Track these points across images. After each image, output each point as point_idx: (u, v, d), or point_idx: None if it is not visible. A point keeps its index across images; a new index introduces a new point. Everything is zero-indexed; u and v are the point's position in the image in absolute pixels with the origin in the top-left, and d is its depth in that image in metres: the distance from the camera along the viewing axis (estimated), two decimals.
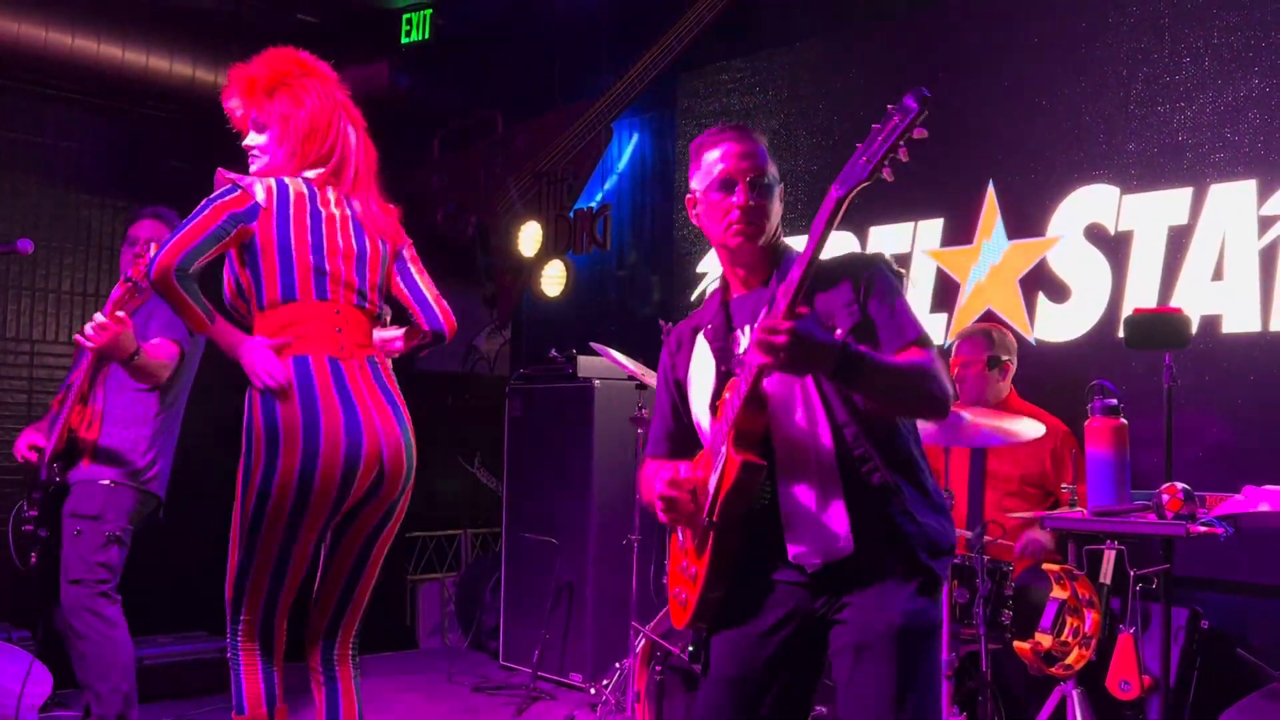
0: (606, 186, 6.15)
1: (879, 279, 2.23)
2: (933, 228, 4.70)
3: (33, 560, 3.69)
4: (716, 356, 2.29)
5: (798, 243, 2.17)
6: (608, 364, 4.69)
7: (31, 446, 3.87)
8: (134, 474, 3.81)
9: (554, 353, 5.44)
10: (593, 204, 6.02)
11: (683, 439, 2.43)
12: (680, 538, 2.35)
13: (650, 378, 4.43)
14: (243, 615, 2.78)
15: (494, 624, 5.80)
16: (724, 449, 2.14)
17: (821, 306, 2.16)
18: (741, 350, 2.24)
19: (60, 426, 3.76)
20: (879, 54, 4.97)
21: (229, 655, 2.80)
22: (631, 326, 5.87)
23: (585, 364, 5.25)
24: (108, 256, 6.21)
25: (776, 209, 2.29)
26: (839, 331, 2.06)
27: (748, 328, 2.24)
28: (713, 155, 2.28)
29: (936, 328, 4.62)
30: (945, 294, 4.63)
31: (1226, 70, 3.94)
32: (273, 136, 2.91)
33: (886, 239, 4.84)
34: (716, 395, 2.24)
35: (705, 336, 2.34)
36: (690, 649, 3.64)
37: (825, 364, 2.00)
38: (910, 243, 4.77)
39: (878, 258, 2.29)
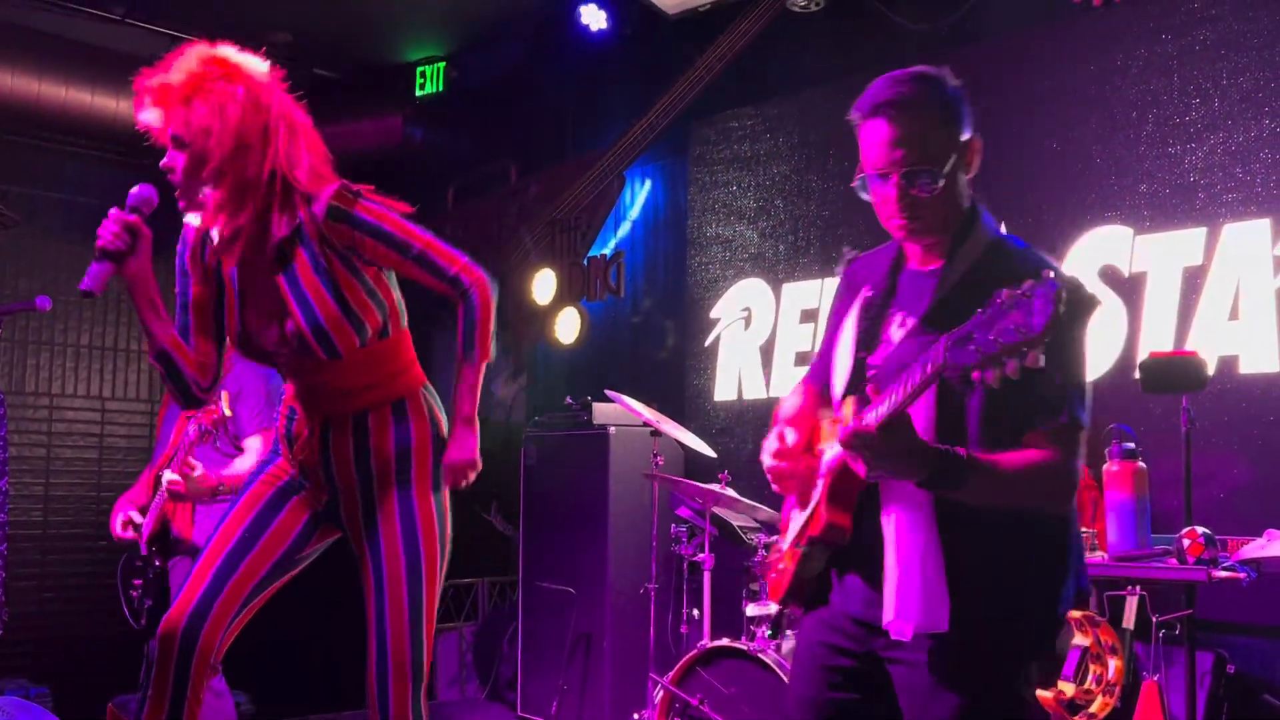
0: (620, 234, 6.17)
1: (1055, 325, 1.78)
2: None
3: (142, 623, 3.76)
4: (858, 336, 2.08)
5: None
6: (623, 410, 4.69)
7: (126, 523, 3.85)
8: None
9: (569, 400, 5.44)
10: (606, 251, 6.05)
11: None
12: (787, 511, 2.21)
13: (665, 425, 4.42)
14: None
15: (512, 674, 5.76)
16: (819, 491, 2.01)
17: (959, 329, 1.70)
18: (891, 336, 2.04)
19: (154, 513, 3.76)
20: None
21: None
22: (646, 372, 5.87)
23: (600, 411, 5.25)
24: (126, 310, 6.27)
25: (954, 187, 1.99)
26: (975, 373, 1.70)
27: (903, 315, 2.05)
28: (865, 134, 2.01)
29: None
30: None
31: (1236, 110, 3.95)
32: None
33: None
34: (849, 387, 2.05)
35: (860, 304, 2.11)
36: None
37: (915, 474, 1.81)
38: None
39: (1068, 287, 1.70)
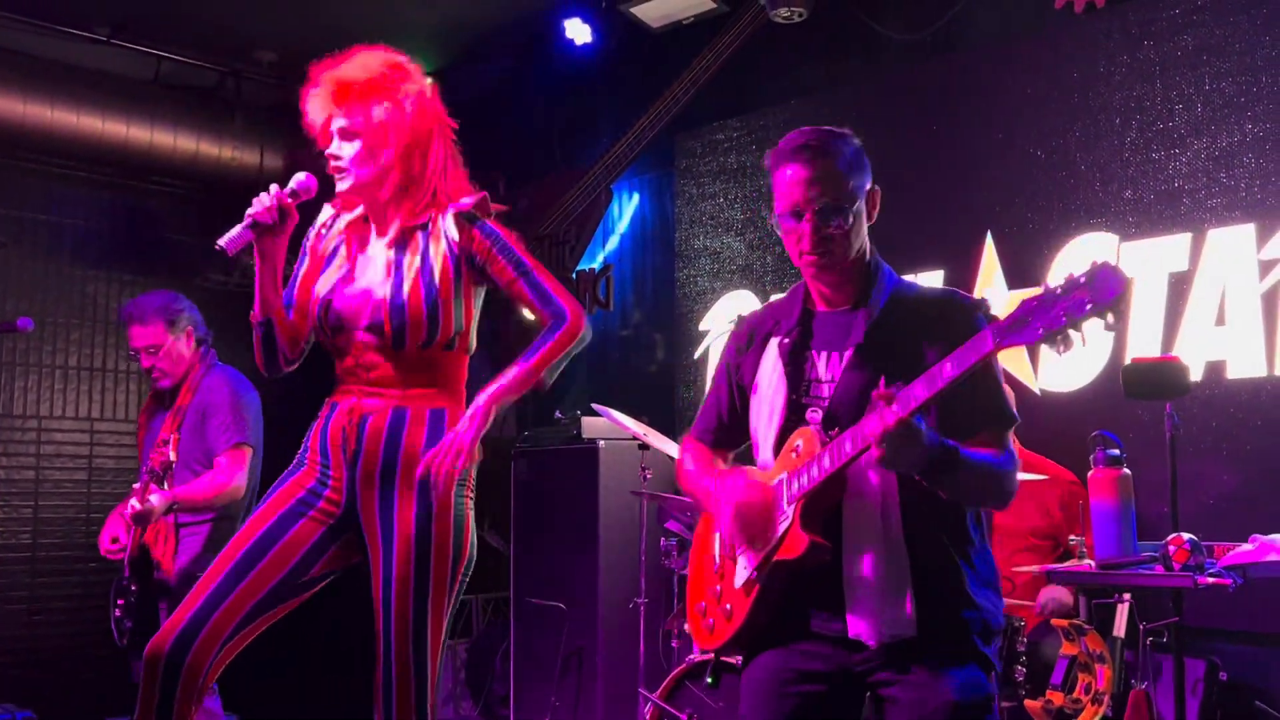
0: (608, 247, 6.17)
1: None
2: (933, 280, 4.68)
3: (124, 642, 3.73)
4: (787, 378, 2.19)
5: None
6: (612, 424, 4.67)
7: (114, 540, 3.84)
8: None
9: (559, 414, 5.42)
10: (595, 265, 6.04)
11: (732, 433, 2.36)
12: (716, 554, 2.26)
13: (652, 437, 4.41)
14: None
15: (505, 692, 5.72)
16: (790, 515, 2.06)
17: (909, 349, 2.05)
18: (820, 375, 2.17)
19: (133, 539, 3.73)
20: (873, 110, 5.00)
21: None
22: (636, 385, 5.86)
23: (590, 425, 5.23)
24: (114, 331, 6.25)
25: (859, 227, 2.16)
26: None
27: (826, 354, 2.18)
28: (781, 176, 2.16)
29: None
30: None
31: (1219, 116, 3.95)
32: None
33: None
34: (785, 427, 2.17)
35: (779, 349, 2.23)
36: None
37: (920, 465, 1.94)
38: None
39: (982, 309, 2.16)
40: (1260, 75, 3.86)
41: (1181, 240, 3.99)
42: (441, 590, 2.52)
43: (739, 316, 2.44)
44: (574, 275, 6.01)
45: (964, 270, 4.55)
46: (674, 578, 4.47)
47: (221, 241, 2.55)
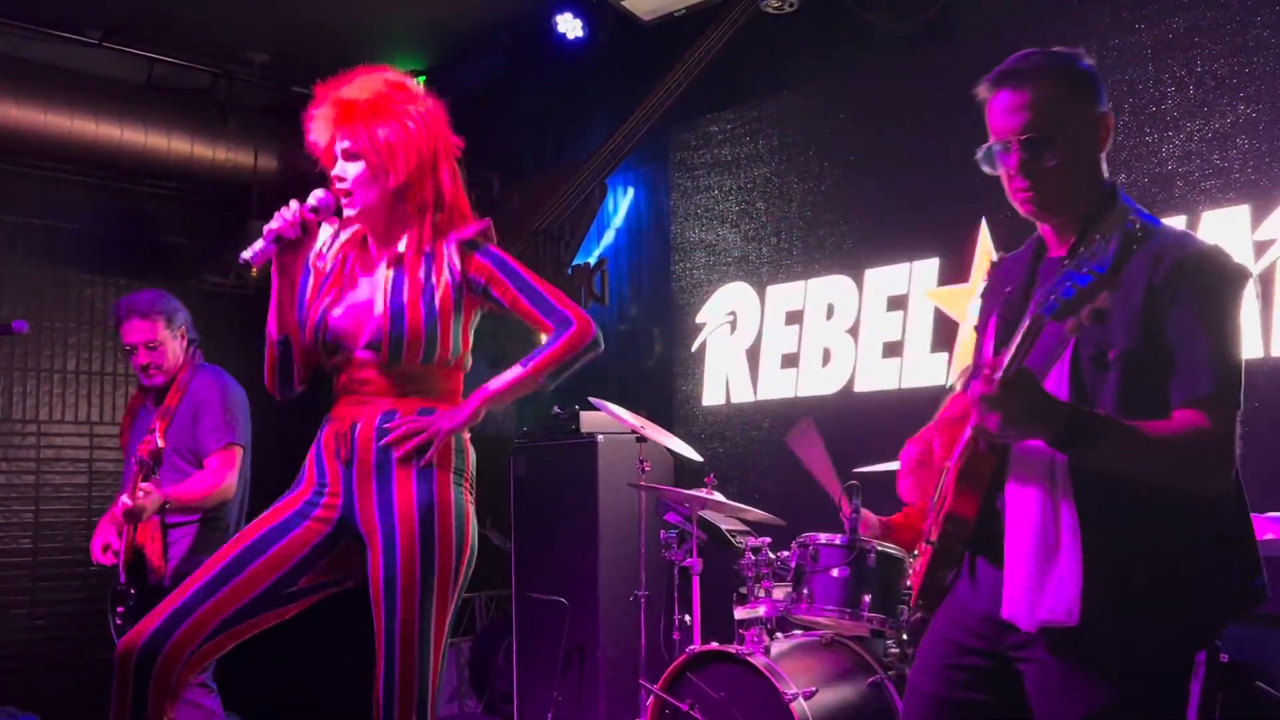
0: (604, 242, 6.16)
1: (1196, 292, 1.78)
2: (928, 268, 4.69)
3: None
4: (998, 334, 1.98)
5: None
6: (610, 418, 4.66)
7: (105, 547, 3.83)
8: None
9: (557, 409, 5.41)
10: (590, 260, 6.03)
11: None
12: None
13: (650, 430, 4.40)
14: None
15: (508, 688, 5.72)
16: (947, 478, 1.91)
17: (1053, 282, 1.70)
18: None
19: (124, 542, 3.73)
20: (865, 99, 4.99)
21: None
22: (635, 380, 5.85)
23: (588, 419, 5.23)
24: (111, 335, 6.21)
25: (1081, 160, 1.92)
26: (1113, 352, 1.76)
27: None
28: (990, 105, 2.01)
29: (937, 368, 4.58)
30: (945, 333, 4.60)
31: (1212, 98, 3.94)
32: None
33: (883, 281, 4.83)
34: None
35: (1002, 299, 2.03)
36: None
37: (1045, 430, 1.72)
38: (907, 283, 4.75)
39: (1207, 257, 1.83)
40: (1252, 56, 3.85)
41: (1176, 223, 3.96)
42: (446, 584, 2.50)
43: (990, 262, 2.27)
44: (569, 271, 6.01)
45: (959, 257, 4.55)
46: (674, 569, 4.46)
47: (245, 254, 2.57)
